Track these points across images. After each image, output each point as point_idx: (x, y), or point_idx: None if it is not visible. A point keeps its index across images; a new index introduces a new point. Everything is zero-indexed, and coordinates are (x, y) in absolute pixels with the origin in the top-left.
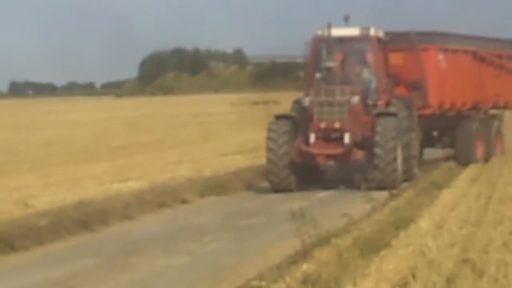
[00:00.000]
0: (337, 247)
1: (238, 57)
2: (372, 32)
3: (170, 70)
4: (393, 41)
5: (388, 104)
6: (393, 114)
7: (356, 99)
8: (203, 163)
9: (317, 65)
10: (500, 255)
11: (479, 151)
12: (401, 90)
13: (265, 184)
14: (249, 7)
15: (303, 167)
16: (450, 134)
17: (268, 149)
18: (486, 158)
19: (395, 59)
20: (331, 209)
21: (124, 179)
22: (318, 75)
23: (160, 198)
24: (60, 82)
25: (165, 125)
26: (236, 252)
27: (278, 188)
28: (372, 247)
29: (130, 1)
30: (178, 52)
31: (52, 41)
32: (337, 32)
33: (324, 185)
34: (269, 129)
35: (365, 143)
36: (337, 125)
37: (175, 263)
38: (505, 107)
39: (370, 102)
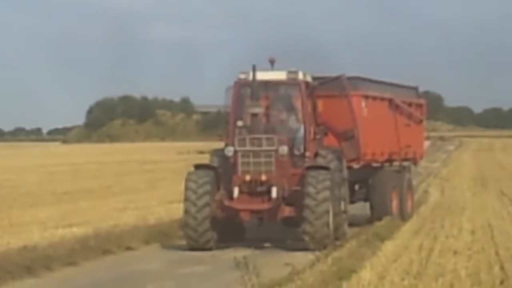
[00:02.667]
0: None
1: (185, 106)
2: (300, 76)
3: (117, 117)
4: (322, 87)
5: (316, 155)
6: (326, 168)
7: (285, 149)
8: (148, 211)
9: (240, 112)
10: None
11: (395, 205)
12: (330, 140)
13: None
14: (196, 56)
15: (224, 224)
16: (363, 187)
17: (186, 202)
18: (400, 213)
19: (324, 106)
20: (275, 258)
21: (69, 225)
22: (240, 123)
23: (104, 244)
24: (7, 127)
25: (111, 172)
26: None
27: (195, 246)
28: None
29: (78, 47)
30: (125, 100)
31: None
32: (262, 76)
33: (247, 243)
34: (188, 180)
35: (294, 198)
36: (263, 177)
37: None
38: (414, 158)
39: (297, 152)
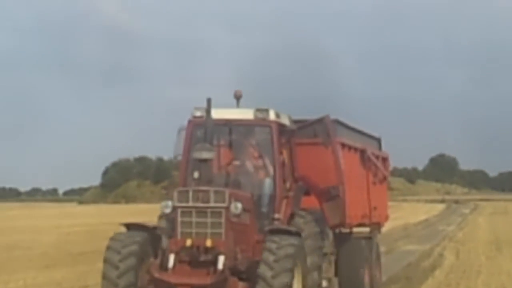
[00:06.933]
0: None
1: None
2: (271, 116)
3: (133, 178)
4: (302, 131)
5: (291, 218)
6: (294, 233)
7: (238, 207)
8: None
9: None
10: None
11: (367, 281)
12: (308, 200)
13: None
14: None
15: None
16: None
17: (106, 264)
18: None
19: (302, 156)
20: None
21: (85, 286)
22: (196, 174)
23: None
24: (23, 187)
25: None
26: None
27: None
28: None
29: (92, 108)
30: (141, 161)
31: (15, 146)
32: (222, 114)
33: None
34: (111, 239)
35: (252, 272)
36: (208, 243)
37: None
38: (378, 223)
39: (264, 214)
